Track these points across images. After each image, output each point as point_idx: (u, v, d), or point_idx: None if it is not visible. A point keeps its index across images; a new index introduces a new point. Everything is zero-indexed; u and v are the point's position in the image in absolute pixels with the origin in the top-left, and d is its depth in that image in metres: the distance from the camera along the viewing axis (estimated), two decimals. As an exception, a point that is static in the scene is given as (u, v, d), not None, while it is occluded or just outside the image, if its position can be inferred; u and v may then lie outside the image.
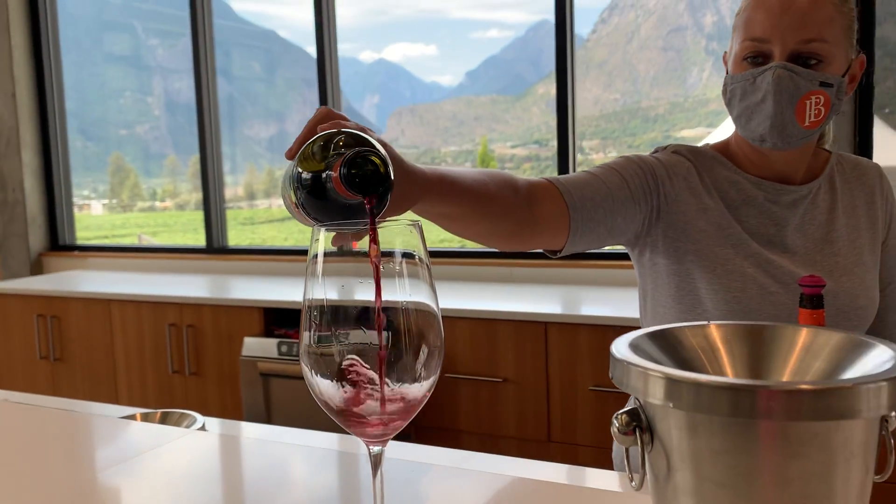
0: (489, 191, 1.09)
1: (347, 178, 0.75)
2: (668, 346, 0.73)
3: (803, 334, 0.75)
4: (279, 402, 3.18)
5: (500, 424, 2.83)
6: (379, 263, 0.75)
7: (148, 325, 3.48)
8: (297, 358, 3.01)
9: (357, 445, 1.39)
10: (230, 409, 3.30)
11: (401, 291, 0.76)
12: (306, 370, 0.77)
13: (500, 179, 1.13)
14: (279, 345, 3.14)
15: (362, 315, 0.76)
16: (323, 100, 4.13)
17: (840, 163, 1.40)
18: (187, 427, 1.64)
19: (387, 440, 0.79)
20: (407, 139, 6.32)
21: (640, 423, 0.65)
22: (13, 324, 3.87)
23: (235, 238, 4.95)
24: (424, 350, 0.76)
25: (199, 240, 4.41)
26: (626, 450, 0.66)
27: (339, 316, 0.77)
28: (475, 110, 6.28)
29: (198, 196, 5.44)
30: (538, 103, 5.72)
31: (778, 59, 1.20)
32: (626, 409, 0.65)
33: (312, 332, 0.76)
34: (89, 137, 5.89)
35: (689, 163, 1.33)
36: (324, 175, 0.79)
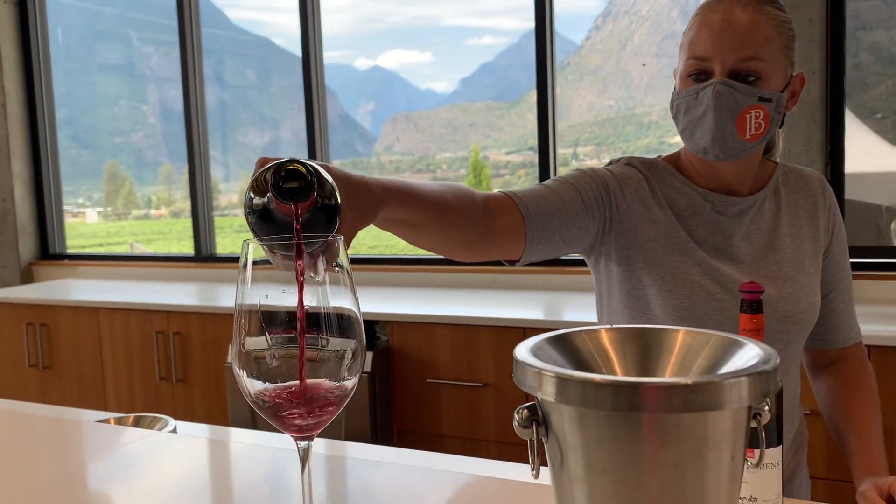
0: (448, 200, 1.13)
1: (275, 186, 0.80)
2: (566, 349, 0.79)
3: (685, 336, 0.80)
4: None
5: (481, 428, 2.85)
6: (303, 271, 0.80)
7: (136, 332, 3.51)
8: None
9: (338, 447, 1.41)
10: (216, 415, 3.32)
11: (324, 297, 0.81)
12: (238, 371, 0.81)
13: (459, 191, 1.17)
14: (264, 351, 3.16)
15: (289, 319, 0.82)
16: (309, 106, 4.15)
17: (785, 174, 1.45)
18: (159, 430, 1.66)
19: (313, 436, 0.83)
20: (402, 146, 6.33)
21: (538, 418, 0.70)
22: (2, 332, 3.90)
23: (231, 246, 4.96)
24: (347, 352, 0.82)
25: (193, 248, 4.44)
26: (531, 442, 0.70)
27: (267, 321, 0.82)
28: (470, 117, 6.28)
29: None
30: (533, 109, 5.73)
31: (718, 76, 1.26)
32: (525, 405, 0.70)
33: (242, 336, 0.82)
34: (84, 146, 5.91)
35: (641, 175, 1.38)
36: (266, 197, 0.83)
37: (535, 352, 0.75)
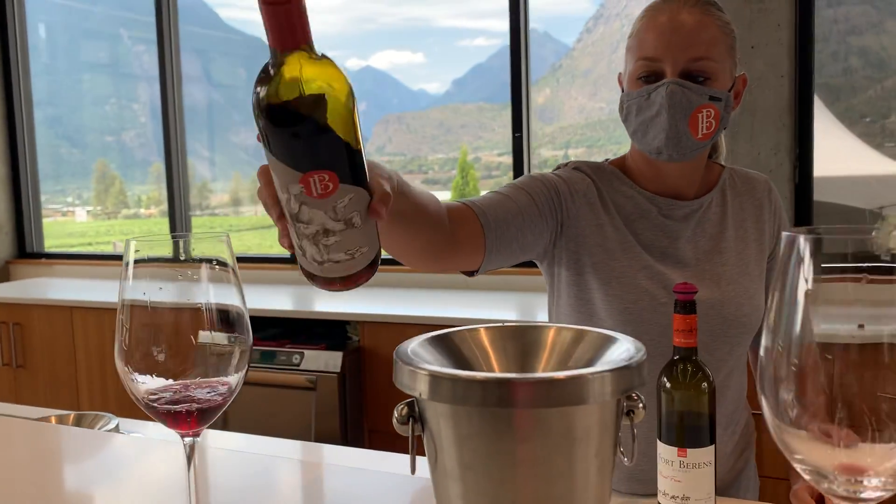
0: (427, 200, 1.10)
1: None
2: (447, 348, 0.80)
3: (562, 333, 0.82)
4: (236, 408, 3.18)
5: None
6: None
7: (109, 332, 3.49)
8: (254, 364, 3.02)
9: (311, 450, 1.39)
10: (189, 415, 3.29)
11: (210, 294, 0.82)
12: (122, 367, 0.82)
13: (431, 196, 1.15)
14: (236, 351, 3.14)
15: (171, 314, 0.82)
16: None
17: (732, 177, 1.46)
18: (100, 428, 1.64)
19: (199, 432, 0.84)
20: (394, 146, 6.31)
21: (414, 415, 0.72)
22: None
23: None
24: (234, 347, 0.83)
25: None
26: (410, 437, 0.73)
27: (150, 317, 0.81)
28: (462, 118, 6.26)
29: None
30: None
31: (670, 77, 1.26)
32: (406, 402, 0.73)
33: (124, 333, 0.81)
34: (74, 144, 5.90)
35: (589, 179, 1.38)
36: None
37: (417, 351, 0.76)
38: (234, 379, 0.83)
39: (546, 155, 4.77)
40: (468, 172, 5.20)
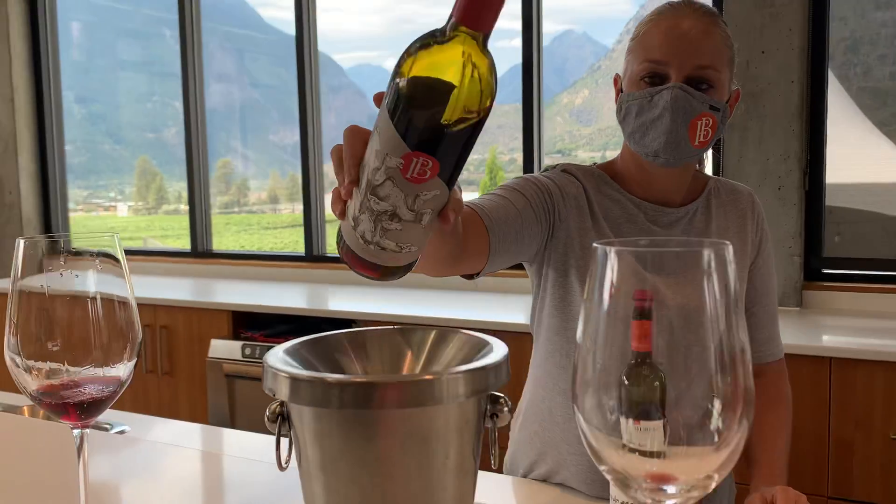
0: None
1: None
2: (322, 351, 0.82)
3: (438, 335, 0.83)
4: (243, 404, 3.22)
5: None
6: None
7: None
8: (260, 360, 3.06)
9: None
10: (198, 409, 3.34)
11: (97, 287, 0.85)
12: (11, 364, 0.84)
13: None
14: (243, 347, 3.18)
15: (62, 307, 0.84)
16: (302, 103, 4.15)
17: (717, 187, 1.47)
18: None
19: (90, 423, 0.86)
20: (430, 147, 6.33)
21: (283, 414, 0.73)
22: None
23: (258, 242, 5.02)
24: (120, 337, 0.85)
25: (223, 243, 4.50)
26: (277, 436, 0.74)
27: (40, 310, 0.84)
28: (499, 119, 6.24)
29: (222, 199, 5.50)
30: (562, 113, 5.67)
31: (675, 81, 1.27)
32: (278, 401, 0.74)
33: (13, 326, 0.84)
34: (117, 141, 6.03)
35: (579, 182, 1.39)
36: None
37: (290, 354, 0.78)
38: (123, 372, 0.86)
39: (583, 157, 4.74)
40: (497, 173, 5.19)
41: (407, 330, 0.85)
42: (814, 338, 2.51)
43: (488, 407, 0.75)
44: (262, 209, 5.78)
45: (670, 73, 1.28)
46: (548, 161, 3.56)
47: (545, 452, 1.44)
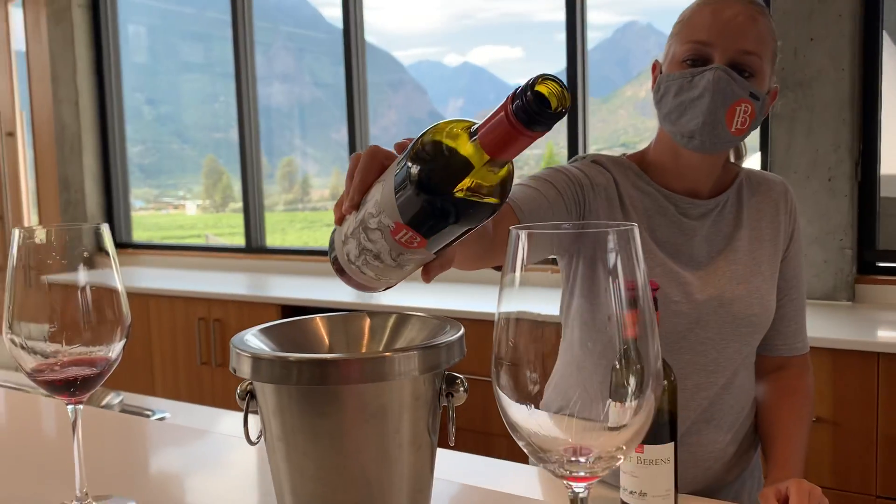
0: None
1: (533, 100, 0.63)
2: (284, 335, 0.85)
3: (398, 319, 0.86)
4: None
5: (495, 423, 2.83)
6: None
7: (180, 319, 3.66)
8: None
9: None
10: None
11: (88, 276, 0.91)
12: (10, 344, 0.90)
13: None
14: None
15: (57, 294, 0.91)
16: (350, 101, 4.18)
17: (748, 178, 1.45)
18: (105, 404, 1.73)
19: (83, 400, 0.94)
20: (490, 143, 6.30)
21: (251, 392, 0.77)
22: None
23: (321, 239, 5.09)
24: (109, 321, 0.92)
25: (286, 240, 4.60)
26: (245, 411, 0.77)
27: (38, 295, 0.91)
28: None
29: (286, 197, 5.59)
30: (625, 105, 5.60)
31: (718, 63, 1.26)
32: (247, 381, 0.77)
33: (13, 309, 0.91)
34: (185, 140, 6.19)
35: (609, 173, 1.38)
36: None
37: (257, 337, 0.81)
38: (113, 353, 0.93)
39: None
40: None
41: (372, 314, 0.87)
42: (864, 332, 2.44)
43: (443, 386, 0.77)
44: (325, 206, 5.86)
45: (714, 55, 1.27)
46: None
47: None
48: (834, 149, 2.78)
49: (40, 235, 0.91)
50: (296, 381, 0.70)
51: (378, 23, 4.96)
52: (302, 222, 5.66)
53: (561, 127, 4.14)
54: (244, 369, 0.73)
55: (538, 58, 6.16)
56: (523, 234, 0.58)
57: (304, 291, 3.49)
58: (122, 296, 0.92)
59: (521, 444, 0.59)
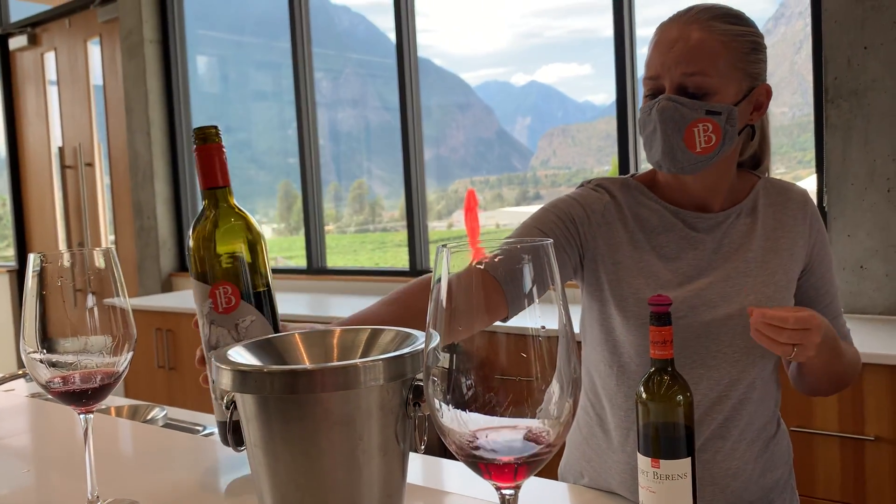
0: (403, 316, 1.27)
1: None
2: (267, 350, 0.90)
3: (372, 332, 0.91)
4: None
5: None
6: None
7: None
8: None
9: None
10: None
11: (97, 295, 1.00)
12: (26, 358, 0.98)
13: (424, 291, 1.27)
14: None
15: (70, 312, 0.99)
16: (404, 121, 4.23)
17: (767, 187, 1.44)
18: (149, 419, 1.80)
19: (93, 409, 1.01)
20: (558, 160, 6.28)
21: (234, 403, 0.82)
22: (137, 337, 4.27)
23: (392, 260, 5.16)
24: (114, 337, 1.00)
25: (359, 261, 4.68)
26: (228, 420, 0.84)
27: (53, 313, 0.99)
28: (632, 128, 6.15)
29: (358, 218, 5.68)
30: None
31: (667, 93, 1.29)
32: (231, 392, 0.82)
33: (33, 327, 0.99)
34: (261, 166, 6.35)
35: (609, 197, 1.40)
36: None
37: (240, 353, 0.87)
38: (121, 367, 1.00)
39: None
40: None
41: (348, 330, 0.93)
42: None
43: (411, 396, 0.79)
44: (395, 227, 5.93)
45: (665, 85, 1.29)
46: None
47: (592, 458, 1.45)
48: (892, 158, 2.70)
49: (56, 259, 0.98)
50: (269, 390, 0.75)
51: (445, 46, 5.02)
52: (373, 243, 5.73)
53: (613, 145, 4.13)
54: (223, 381, 0.78)
55: (606, 73, 6.12)
56: (443, 250, 0.64)
57: (361, 307, 3.53)
58: (129, 314, 1.00)
59: (451, 449, 0.62)
